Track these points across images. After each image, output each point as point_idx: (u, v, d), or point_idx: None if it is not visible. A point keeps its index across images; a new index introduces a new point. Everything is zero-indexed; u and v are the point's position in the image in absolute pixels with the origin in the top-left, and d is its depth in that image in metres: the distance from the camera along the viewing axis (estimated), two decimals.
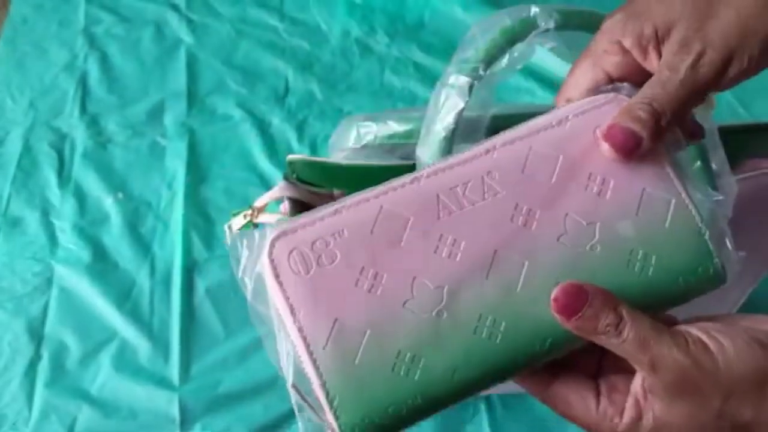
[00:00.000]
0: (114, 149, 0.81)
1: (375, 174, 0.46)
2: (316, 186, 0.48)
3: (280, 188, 0.48)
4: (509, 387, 0.62)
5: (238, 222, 0.48)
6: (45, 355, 0.64)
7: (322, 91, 0.88)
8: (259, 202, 0.48)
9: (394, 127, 0.44)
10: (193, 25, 0.95)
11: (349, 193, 0.47)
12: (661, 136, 0.32)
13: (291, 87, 0.88)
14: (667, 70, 0.32)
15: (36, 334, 0.65)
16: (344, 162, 0.46)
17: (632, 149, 0.32)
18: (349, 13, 0.96)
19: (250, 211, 0.48)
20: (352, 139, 0.44)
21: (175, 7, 0.97)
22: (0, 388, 0.62)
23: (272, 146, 0.82)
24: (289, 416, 0.61)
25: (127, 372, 0.63)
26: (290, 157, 0.48)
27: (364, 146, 0.44)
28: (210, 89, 0.88)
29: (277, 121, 0.84)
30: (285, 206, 0.48)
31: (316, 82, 0.89)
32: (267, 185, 0.78)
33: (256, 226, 0.48)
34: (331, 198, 0.48)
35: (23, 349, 0.65)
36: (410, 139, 0.43)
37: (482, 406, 0.61)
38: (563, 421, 0.63)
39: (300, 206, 0.48)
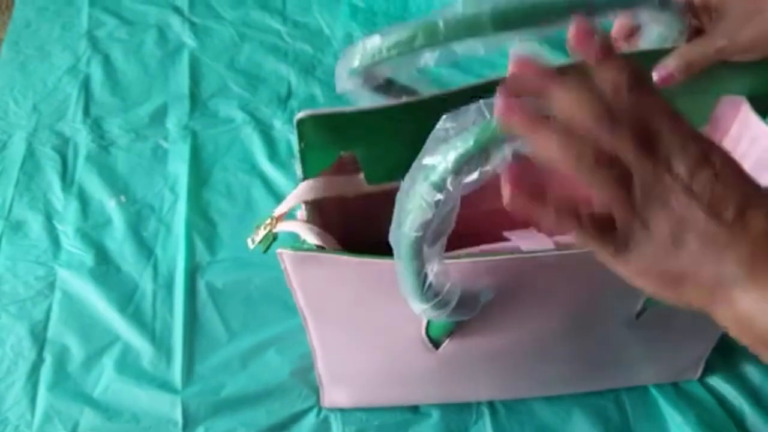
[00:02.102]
0: (117, 152, 0.81)
1: (383, 117, 0.46)
2: (327, 150, 0.48)
3: (297, 194, 0.49)
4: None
5: (260, 234, 0.49)
6: (48, 358, 0.64)
7: (325, 94, 0.88)
8: (277, 212, 0.49)
9: (397, 34, 0.44)
10: (195, 28, 0.95)
11: (361, 149, 0.48)
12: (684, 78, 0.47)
13: (293, 90, 0.88)
14: (701, 44, 0.47)
15: (39, 338, 0.66)
16: (352, 109, 0.46)
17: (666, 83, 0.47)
18: (351, 16, 0.96)
19: (269, 221, 0.49)
20: (359, 57, 0.44)
21: (177, 11, 0.97)
22: (2, 391, 0.62)
23: (274, 149, 0.82)
24: (291, 420, 0.61)
25: (129, 375, 0.63)
26: (299, 115, 0.47)
27: (367, 77, 0.45)
28: (212, 92, 0.88)
29: (279, 124, 0.84)
30: (302, 213, 0.49)
31: (319, 86, 0.89)
32: (269, 188, 0.78)
33: (275, 237, 0.49)
34: (341, 170, 0.49)
35: (26, 352, 0.65)
36: (414, 43, 0.43)
37: (485, 410, 0.61)
38: (567, 426, 0.63)
39: (318, 211, 0.49)
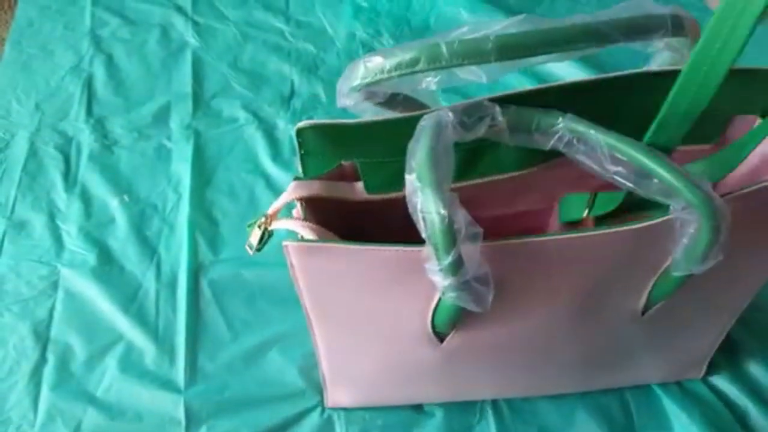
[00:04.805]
0: (120, 152, 0.81)
1: (383, 130, 0.46)
2: (327, 158, 0.48)
3: (289, 192, 0.48)
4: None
5: (255, 235, 0.48)
6: (50, 358, 0.64)
7: (328, 93, 0.88)
8: (271, 210, 0.49)
9: (400, 55, 0.44)
10: (198, 27, 0.95)
11: (361, 158, 0.48)
12: None
13: (296, 89, 0.88)
14: None
15: (41, 337, 0.65)
16: (352, 122, 0.46)
17: None
18: (354, 15, 0.96)
19: (264, 220, 0.48)
20: (360, 76, 0.44)
21: (180, 10, 0.97)
22: (5, 391, 0.62)
23: (277, 149, 0.82)
24: (295, 420, 0.61)
25: (132, 375, 0.63)
26: (299, 125, 0.47)
27: (369, 94, 0.45)
28: (215, 92, 0.88)
29: (282, 124, 0.84)
30: (297, 211, 0.48)
31: (322, 85, 0.89)
32: (272, 187, 0.78)
33: (270, 234, 0.48)
34: (342, 176, 0.48)
35: (28, 352, 0.65)
36: (416, 66, 0.43)
37: (489, 410, 0.61)
38: (571, 425, 0.63)
39: (312, 209, 0.48)
